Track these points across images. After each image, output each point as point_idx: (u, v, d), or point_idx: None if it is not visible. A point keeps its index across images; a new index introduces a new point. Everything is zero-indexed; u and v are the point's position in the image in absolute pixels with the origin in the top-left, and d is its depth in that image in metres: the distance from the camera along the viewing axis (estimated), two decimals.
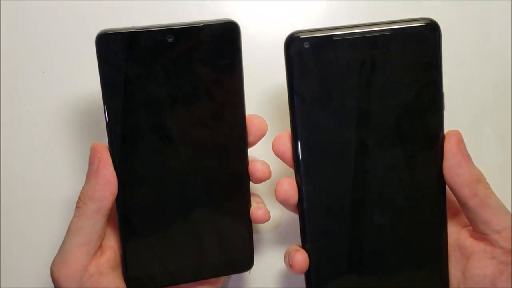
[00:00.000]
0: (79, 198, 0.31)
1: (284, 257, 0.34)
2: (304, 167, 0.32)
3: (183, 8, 0.41)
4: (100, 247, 0.32)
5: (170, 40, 0.30)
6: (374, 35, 0.30)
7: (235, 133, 0.33)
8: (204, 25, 0.31)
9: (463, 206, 0.31)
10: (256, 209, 0.34)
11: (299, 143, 0.31)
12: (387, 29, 0.30)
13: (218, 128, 0.32)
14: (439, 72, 0.31)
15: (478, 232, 0.31)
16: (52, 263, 0.31)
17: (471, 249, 0.31)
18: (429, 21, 0.30)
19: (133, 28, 0.30)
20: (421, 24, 0.30)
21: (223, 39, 0.31)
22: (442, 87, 0.31)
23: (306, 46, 0.30)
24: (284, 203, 0.33)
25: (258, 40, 0.40)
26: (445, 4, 0.40)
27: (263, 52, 0.40)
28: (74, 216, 0.31)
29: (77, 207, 0.31)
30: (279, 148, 0.32)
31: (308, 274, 0.33)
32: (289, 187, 0.32)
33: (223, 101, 0.32)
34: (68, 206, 0.38)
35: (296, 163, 0.32)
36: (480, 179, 0.31)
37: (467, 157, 0.31)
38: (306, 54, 0.30)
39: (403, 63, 0.30)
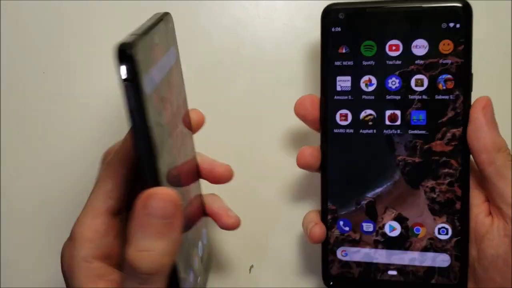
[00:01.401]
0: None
1: (302, 224, 0.33)
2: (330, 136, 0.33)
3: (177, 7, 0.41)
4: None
5: None
6: (407, 10, 0.31)
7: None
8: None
9: (481, 173, 0.30)
10: (226, 218, 0.31)
11: (327, 113, 0.33)
12: (420, 6, 0.31)
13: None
14: (469, 52, 0.31)
15: (495, 206, 0.29)
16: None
17: (487, 227, 0.30)
18: (463, 2, 0.31)
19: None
20: (454, 5, 0.31)
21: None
22: (471, 68, 0.31)
23: (341, 16, 0.32)
24: (305, 169, 0.33)
25: (258, 40, 0.40)
26: None
27: (263, 52, 0.40)
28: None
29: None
30: (299, 112, 0.33)
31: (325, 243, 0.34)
32: (311, 158, 0.32)
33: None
34: (70, 206, 0.38)
35: (324, 130, 0.33)
36: (501, 148, 0.29)
37: (491, 123, 0.29)
38: (340, 24, 0.33)
39: (434, 41, 0.31)
